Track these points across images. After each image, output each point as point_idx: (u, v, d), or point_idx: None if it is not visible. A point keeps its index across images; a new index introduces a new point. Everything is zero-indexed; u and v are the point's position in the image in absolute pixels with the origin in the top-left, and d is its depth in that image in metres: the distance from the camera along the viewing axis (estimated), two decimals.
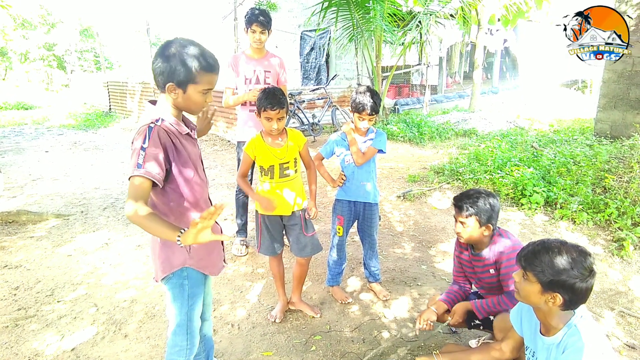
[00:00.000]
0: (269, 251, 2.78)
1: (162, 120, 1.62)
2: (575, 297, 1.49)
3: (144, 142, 1.55)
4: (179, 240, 1.49)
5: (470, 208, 2.12)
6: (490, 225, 2.14)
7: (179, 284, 1.76)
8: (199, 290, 1.83)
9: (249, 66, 3.52)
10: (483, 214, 2.11)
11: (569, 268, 1.47)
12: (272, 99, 2.43)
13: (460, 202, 2.17)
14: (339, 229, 3.00)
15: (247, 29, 3.42)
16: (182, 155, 1.68)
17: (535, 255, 1.53)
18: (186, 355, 1.85)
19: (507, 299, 2.15)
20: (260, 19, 3.35)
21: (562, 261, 1.48)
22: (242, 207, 3.81)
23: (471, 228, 2.15)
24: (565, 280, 1.46)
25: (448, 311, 2.39)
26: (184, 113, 1.77)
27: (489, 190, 2.26)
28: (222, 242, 1.96)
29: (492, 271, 2.21)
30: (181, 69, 1.57)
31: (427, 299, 3.07)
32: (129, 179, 1.56)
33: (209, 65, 1.61)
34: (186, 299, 1.78)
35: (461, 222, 2.17)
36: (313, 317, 2.86)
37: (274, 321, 2.81)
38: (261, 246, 2.78)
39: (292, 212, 2.67)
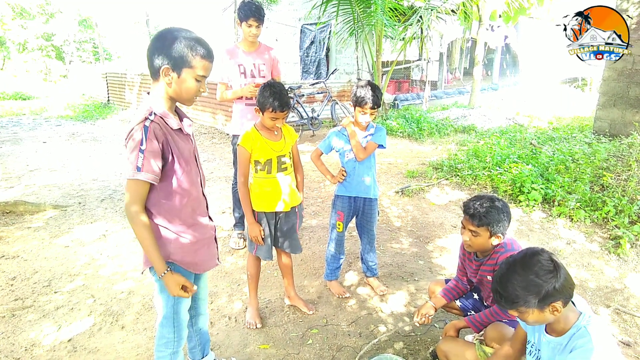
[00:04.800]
0: (268, 254, 2.66)
1: (154, 114, 1.60)
2: (565, 291, 1.47)
3: (142, 144, 1.55)
4: (162, 277, 1.65)
5: (483, 217, 1.98)
6: (500, 235, 2.03)
7: None
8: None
9: (243, 59, 3.50)
10: (496, 224, 1.98)
11: (539, 280, 1.44)
12: (281, 99, 2.37)
13: (473, 210, 2.01)
14: (339, 224, 3.00)
15: (243, 22, 3.40)
16: (174, 151, 1.67)
17: (508, 293, 1.48)
18: (173, 347, 1.86)
19: (499, 310, 2.08)
20: (257, 14, 3.34)
21: (529, 280, 1.45)
22: (239, 201, 3.80)
23: (481, 238, 2.03)
24: (547, 290, 1.43)
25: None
26: (177, 104, 1.76)
27: (499, 197, 2.16)
28: (215, 240, 1.96)
29: (489, 277, 2.15)
30: (177, 52, 1.57)
31: (424, 294, 3.08)
32: (128, 179, 1.58)
33: (206, 52, 1.62)
34: None
35: (471, 231, 2.04)
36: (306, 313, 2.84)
37: (256, 327, 2.68)
38: (258, 248, 2.64)
39: (291, 207, 2.65)
